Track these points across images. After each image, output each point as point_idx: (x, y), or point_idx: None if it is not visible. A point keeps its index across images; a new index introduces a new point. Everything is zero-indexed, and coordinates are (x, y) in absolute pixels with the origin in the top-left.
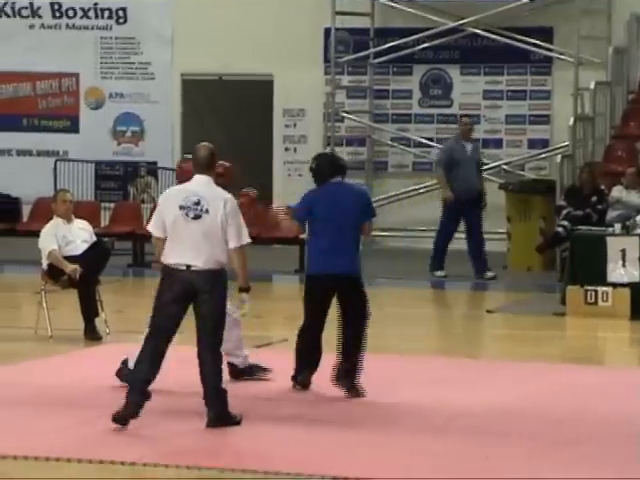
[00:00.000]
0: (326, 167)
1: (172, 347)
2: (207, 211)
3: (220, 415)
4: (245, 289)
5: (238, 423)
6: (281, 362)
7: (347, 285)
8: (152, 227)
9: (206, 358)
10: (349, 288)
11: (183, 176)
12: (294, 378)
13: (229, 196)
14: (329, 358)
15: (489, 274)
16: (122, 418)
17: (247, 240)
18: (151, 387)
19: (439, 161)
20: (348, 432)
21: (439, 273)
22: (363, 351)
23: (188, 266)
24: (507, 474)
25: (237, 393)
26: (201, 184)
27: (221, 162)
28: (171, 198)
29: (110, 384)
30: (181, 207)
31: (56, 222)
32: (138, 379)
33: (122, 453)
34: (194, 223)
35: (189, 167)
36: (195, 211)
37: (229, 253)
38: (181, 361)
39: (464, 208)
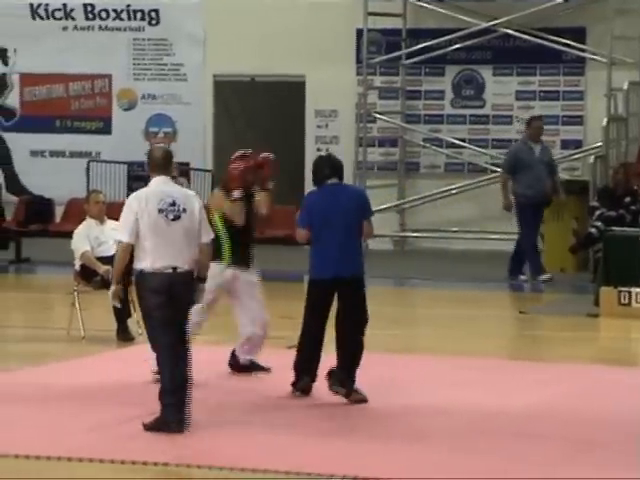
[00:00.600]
0: (323, 169)
1: (202, 347)
2: (184, 210)
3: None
4: (204, 280)
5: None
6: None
7: (351, 286)
8: (126, 234)
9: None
10: (352, 289)
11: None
12: (294, 384)
13: (194, 193)
14: (330, 360)
15: (544, 277)
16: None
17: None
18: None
19: (503, 165)
20: (381, 433)
21: (523, 277)
22: (362, 353)
23: (174, 268)
24: (539, 475)
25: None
26: (166, 185)
27: (264, 154)
28: (142, 202)
29: (142, 384)
30: (160, 210)
31: (89, 223)
32: (178, 385)
33: (155, 454)
34: (175, 224)
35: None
36: (174, 212)
37: (199, 247)
38: (212, 362)
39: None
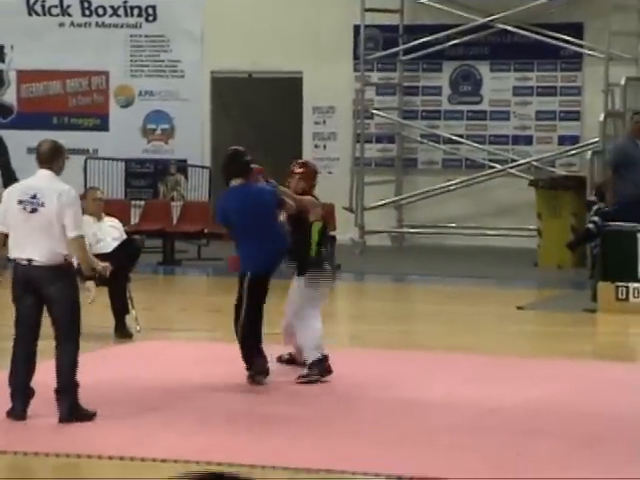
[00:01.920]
0: (225, 168)
1: (207, 344)
2: (43, 204)
3: (71, 408)
4: (88, 277)
5: (90, 418)
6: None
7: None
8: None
9: (62, 350)
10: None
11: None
12: (249, 369)
13: (66, 188)
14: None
15: None
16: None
17: (83, 231)
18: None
19: (609, 162)
20: (378, 428)
21: None
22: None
23: (29, 260)
24: (538, 470)
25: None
26: (42, 178)
27: (302, 161)
28: (12, 193)
29: (140, 381)
30: (19, 202)
31: (86, 220)
32: (17, 384)
33: (154, 451)
34: (31, 217)
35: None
36: (32, 205)
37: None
38: (220, 360)
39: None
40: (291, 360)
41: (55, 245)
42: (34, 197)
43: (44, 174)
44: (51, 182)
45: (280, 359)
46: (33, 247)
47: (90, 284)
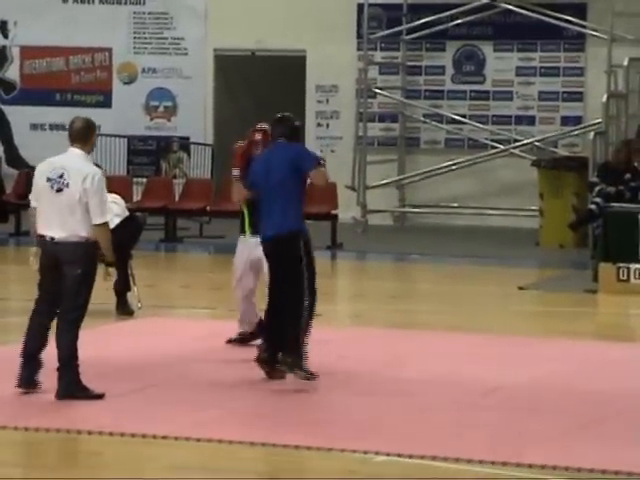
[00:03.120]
0: (273, 127)
1: (208, 321)
2: (68, 185)
3: (70, 385)
4: (109, 264)
5: (96, 397)
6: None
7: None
8: (32, 197)
9: (62, 328)
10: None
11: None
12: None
13: (93, 171)
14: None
15: None
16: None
17: (109, 217)
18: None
19: None
20: (378, 407)
21: None
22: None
23: (52, 238)
24: (538, 450)
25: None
26: (71, 157)
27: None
28: (43, 169)
29: (141, 358)
30: (48, 179)
31: None
32: (28, 354)
33: (159, 426)
34: (57, 196)
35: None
36: (58, 184)
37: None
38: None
39: None
40: (244, 339)
41: (77, 226)
42: (61, 176)
43: (75, 153)
44: (79, 162)
45: (230, 340)
46: (58, 225)
47: (110, 270)
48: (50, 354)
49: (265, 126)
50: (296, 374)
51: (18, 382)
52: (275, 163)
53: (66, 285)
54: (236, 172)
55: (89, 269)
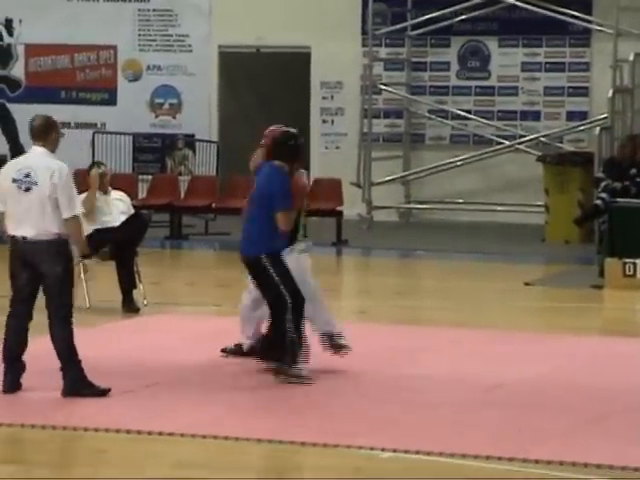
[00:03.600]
0: (273, 144)
1: (214, 318)
2: (36, 183)
3: (75, 382)
4: (85, 256)
5: (102, 393)
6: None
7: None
8: None
9: (54, 326)
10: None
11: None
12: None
13: (59, 166)
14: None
15: None
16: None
17: (79, 211)
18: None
19: None
20: (382, 403)
21: None
22: None
23: (24, 237)
24: (544, 445)
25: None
26: (35, 155)
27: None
28: (7, 171)
29: (147, 355)
30: (13, 180)
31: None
32: (10, 357)
33: (165, 424)
34: (26, 195)
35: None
36: (26, 183)
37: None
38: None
39: None
40: (238, 351)
41: (49, 223)
42: (27, 175)
43: (38, 151)
44: (44, 160)
45: (225, 350)
46: (28, 224)
47: (85, 262)
48: (50, 353)
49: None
50: (278, 378)
51: (3, 387)
52: (256, 189)
53: (48, 284)
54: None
55: (68, 265)
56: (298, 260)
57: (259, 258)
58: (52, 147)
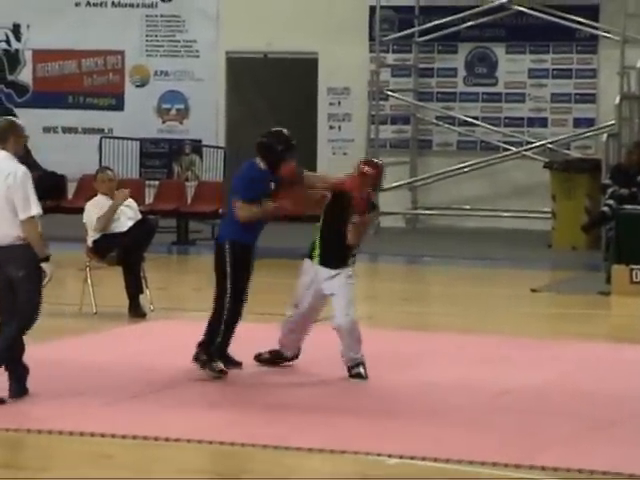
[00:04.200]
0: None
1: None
2: None
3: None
4: (43, 259)
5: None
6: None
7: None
8: None
9: (7, 325)
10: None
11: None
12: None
13: (15, 168)
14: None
15: None
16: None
17: (36, 211)
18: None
19: None
20: (391, 409)
21: None
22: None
23: None
24: (551, 452)
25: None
26: None
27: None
28: None
29: (153, 361)
30: None
31: (99, 199)
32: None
33: (171, 429)
34: None
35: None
36: None
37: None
38: (233, 339)
39: None
40: (272, 360)
41: (8, 227)
42: None
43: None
44: (1, 162)
45: (259, 358)
46: None
47: (45, 266)
48: (49, 359)
49: (376, 161)
50: (205, 371)
51: (9, 393)
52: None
53: (15, 289)
54: (356, 219)
55: (32, 269)
56: (339, 279)
57: (222, 245)
58: (13, 150)
